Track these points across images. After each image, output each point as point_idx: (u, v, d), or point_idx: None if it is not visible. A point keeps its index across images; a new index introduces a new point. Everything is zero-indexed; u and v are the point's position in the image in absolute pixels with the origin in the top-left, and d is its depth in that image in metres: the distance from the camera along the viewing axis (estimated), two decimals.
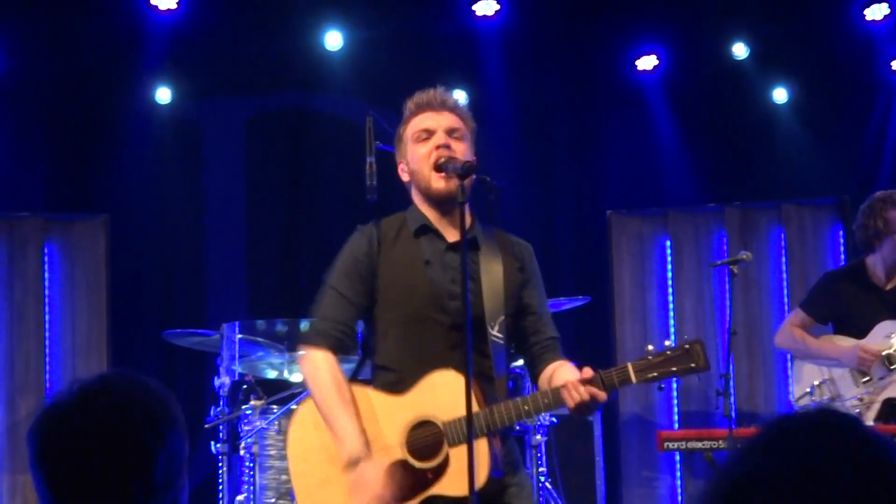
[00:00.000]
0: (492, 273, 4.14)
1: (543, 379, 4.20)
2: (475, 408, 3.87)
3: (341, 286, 4.19)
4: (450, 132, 4.16)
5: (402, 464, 4.01)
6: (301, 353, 4.35)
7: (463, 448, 3.85)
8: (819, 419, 1.71)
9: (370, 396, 4.12)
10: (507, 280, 4.16)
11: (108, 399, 2.17)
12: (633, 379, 3.94)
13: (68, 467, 2.13)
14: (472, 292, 3.98)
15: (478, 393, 3.96)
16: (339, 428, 4.06)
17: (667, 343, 4.00)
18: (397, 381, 4.09)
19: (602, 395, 3.90)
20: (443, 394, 3.97)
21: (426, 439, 4.00)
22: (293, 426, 4.21)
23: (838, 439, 1.68)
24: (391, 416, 4.04)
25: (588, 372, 3.93)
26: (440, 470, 3.97)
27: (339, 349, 4.18)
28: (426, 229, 4.19)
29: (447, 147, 4.12)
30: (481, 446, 3.91)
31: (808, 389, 6.52)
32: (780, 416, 1.75)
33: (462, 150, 4.14)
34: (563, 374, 4.07)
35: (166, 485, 2.17)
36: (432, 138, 4.16)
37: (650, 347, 3.99)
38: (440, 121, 4.18)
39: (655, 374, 3.95)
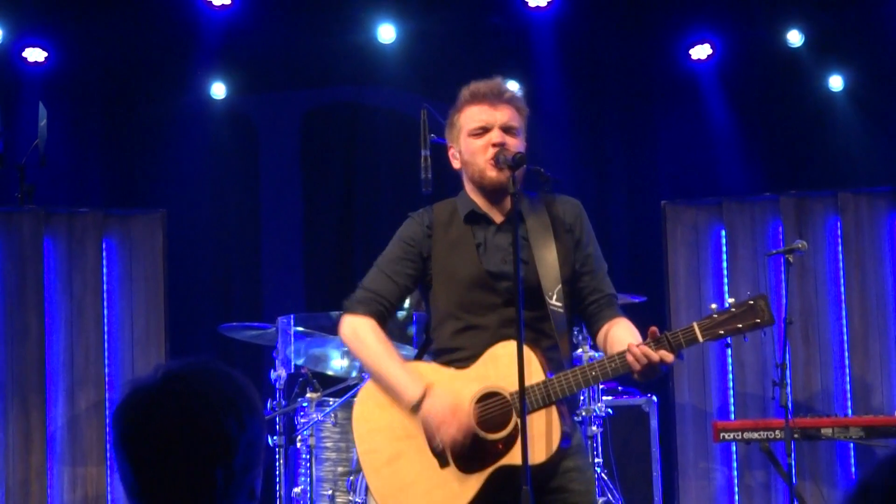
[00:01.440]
0: (544, 244, 4.16)
1: (602, 337, 4.21)
2: (540, 376, 3.93)
3: (387, 266, 4.24)
4: (506, 129, 4.17)
5: (472, 436, 4.02)
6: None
7: (533, 417, 3.91)
8: None
9: (434, 370, 4.14)
10: (560, 247, 4.18)
11: (192, 386, 2.22)
12: (700, 337, 3.93)
13: (153, 452, 2.19)
14: (526, 267, 4.04)
15: (542, 362, 3.99)
16: (391, 378, 4.12)
17: (730, 300, 3.99)
18: (457, 361, 4.12)
19: (669, 357, 3.88)
20: (506, 364, 3.96)
21: (494, 411, 4.01)
22: (357, 405, 4.24)
23: None
24: (457, 389, 4.05)
25: (654, 332, 3.93)
26: (511, 440, 3.97)
27: (379, 318, 4.22)
28: (475, 215, 4.22)
29: (503, 145, 4.13)
30: (552, 415, 3.94)
31: None
32: None
33: (516, 146, 4.16)
34: (622, 335, 4.08)
35: (245, 470, 2.22)
36: (488, 134, 4.16)
37: (714, 306, 3.99)
38: (497, 116, 4.18)
39: (721, 331, 3.95)
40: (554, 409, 3.96)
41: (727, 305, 3.97)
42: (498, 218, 4.21)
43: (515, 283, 3.86)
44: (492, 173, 4.13)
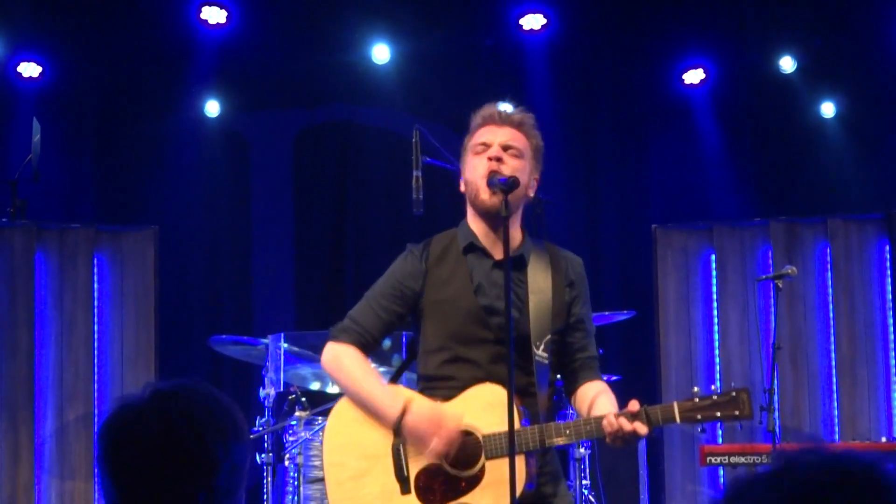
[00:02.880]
0: (540, 292, 4.15)
1: (580, 397, 4.22)
2: (515, 425, 3.91)
3: (375, 300, 4.25)
4: (505, 147, 4.16)
5: (437, 468, 4.04)
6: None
7: (499, 462, 3.93)
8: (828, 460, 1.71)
9: (411, 398, 4.15)
10: (556, 299, 4.17)
11: (180, 406, 2.24)
12: (678, 419, 3.96)
13: (137, 468, 2.21)
14: (517, 311, 4.04)
15: (520, 412, 3.98)
16: (370, 397, 4.14)
17: (713, 387, 4.03)
18: (444, 390, 4.12)
19: (643, 429, 3.91)
20: (483, 407, 4.01)
21: (464, 448, 4.03)
22: (331, 417, 4.25)
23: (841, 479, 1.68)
24: None
25: (634, 405, 3.95)
26: (474, 480, 4.00)
27: (361, 348, 4.23)
28: (473, 247, 4.21)
29: (498, 160, 4.13)
30: (518, 461, 3.93)
31: None
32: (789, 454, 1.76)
33: (514, 167, 4.13)
34: (604, 406, 4.09)
35: (227, 493, 2.24)
36: (487, 151, 4.17)
37: (696, 389, 4.03)
38: (498, 135, 4.18)
39: (699, 416, 3.98)
40: (521, 455, 3.96)
41: (710, 392, 4.00)
42: (497, 252, 4.16)
43: (506, 320, 3.85)
44: (484, 196, 4.11)
